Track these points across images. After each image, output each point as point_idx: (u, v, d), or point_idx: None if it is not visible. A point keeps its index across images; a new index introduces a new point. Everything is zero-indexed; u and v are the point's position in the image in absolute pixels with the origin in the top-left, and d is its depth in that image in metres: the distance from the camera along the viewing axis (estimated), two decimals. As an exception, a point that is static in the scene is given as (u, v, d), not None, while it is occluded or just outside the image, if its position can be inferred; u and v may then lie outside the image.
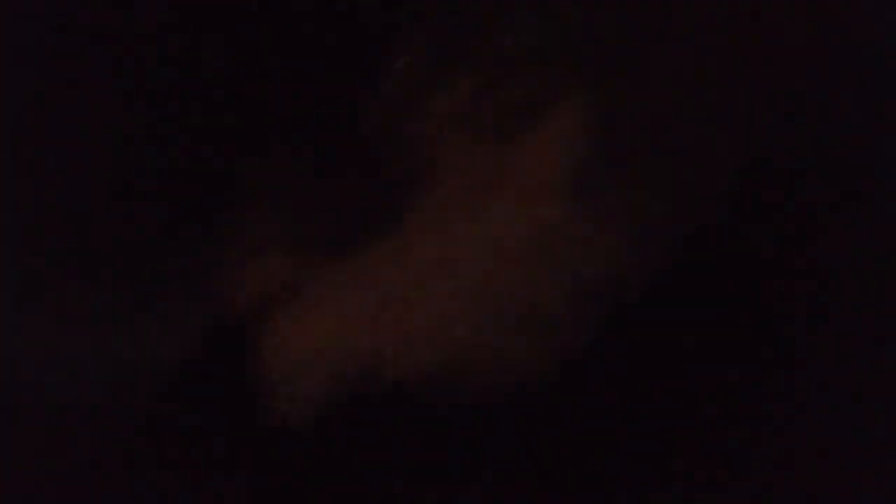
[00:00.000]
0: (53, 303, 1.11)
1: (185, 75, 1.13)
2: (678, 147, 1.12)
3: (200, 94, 1.13)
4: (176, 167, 1.12)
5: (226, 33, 1.14)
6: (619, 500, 1.07)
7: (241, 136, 1.13)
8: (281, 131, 1.13)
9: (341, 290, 1.11)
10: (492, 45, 1.12)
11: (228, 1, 1.14)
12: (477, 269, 1.09)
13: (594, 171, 1.10)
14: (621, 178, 1.10)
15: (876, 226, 1.12)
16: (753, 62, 1.14)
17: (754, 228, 1.12)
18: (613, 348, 1.09)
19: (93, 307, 1.11)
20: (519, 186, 1.11)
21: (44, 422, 1.09)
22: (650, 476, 1.07)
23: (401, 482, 1.07)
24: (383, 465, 1.08)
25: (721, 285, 1.10)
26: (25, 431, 1.09)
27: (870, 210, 1.13)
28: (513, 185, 1.11)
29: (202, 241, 1.11)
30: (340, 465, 1.08)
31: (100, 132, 1.13)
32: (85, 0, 1.14)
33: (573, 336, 1.08)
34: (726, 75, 1.13)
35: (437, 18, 1.13)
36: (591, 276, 1.09)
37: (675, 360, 1.09)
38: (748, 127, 1.13)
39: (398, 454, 1.08)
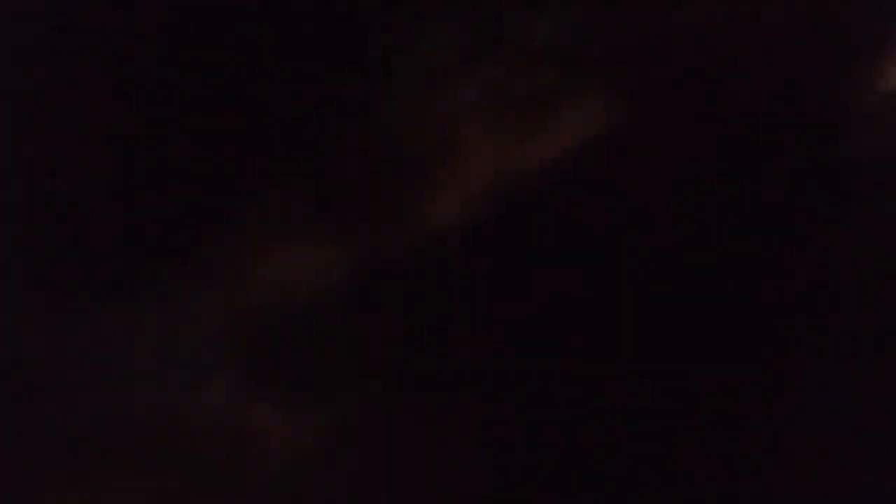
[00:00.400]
0: (52, 303, 1.11)
1: (186, 75, 1.13)
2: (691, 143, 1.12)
3: (201, 93, 1.13)
4: (175, 168, 1.12)
5: (226, 33, 1.14)
6: (619, 500, 1.07)
7: (242, 135, 1.13)
8: (289, 128, 1.13)
9: None
10: (514, 36, 1.12)
11: (229, 1, 1.14)
12: None
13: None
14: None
15: (876, 226, 1.13)
16: (754, 61, 1.14)
17: (754, 228, 1.12)
18: (613, 348, 1.09)
19: (91, 307, 1.11)
20: None
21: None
22: (650, 476, 1.07)
23: None
24: None
25: (721, 285, 1.10)
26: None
27: (870, 210, 1.13)
28: None
29: (202, 243, 1.12)
30: None
31: (100, 132, 1.13)
32: (85, 0, 1.14)
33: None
34: (734, 72, 1.13)
35: (460, 7, 1.13)
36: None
37: (676, 360, 1.09)
38: (750, 125, 1.13)
39: None
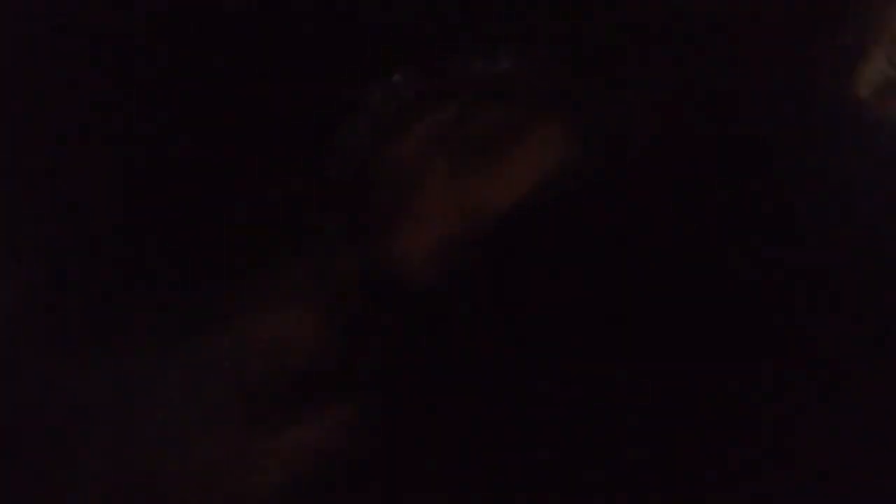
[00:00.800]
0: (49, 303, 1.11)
1: (186, 76, 1.13)
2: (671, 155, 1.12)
3: (202, 94, 1.13)
4: (176, 168, 1.12)
5: (227, 34, 1.14)
6: (619, 500, 1.07)
7: (242, 137, 1.13)
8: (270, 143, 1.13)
9: None
10: (472, 69, 1.12)
11: (229, 1, 1.14)
12: None
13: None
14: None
15: (876, 226, 1.12)
16: (753, 62, 1.14)
17: (754, 228, 1.12)
18: (612, 347, 1.09)
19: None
20: None
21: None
22: (650, 476, 1.07)
23: None
24: None
25: (721, 285, 1.10)
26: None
27: (870, 210, 1.13)
28: None
29: (202, 244, 1.11)
30: None
31: (100, 133, 1.13)
32: (85, 0, 1.14)
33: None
34: (719, 77, 1.13)
35: (419, 44, 1.13)
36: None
37: (676, 360, 1.09)
38: (744, 129, 1.13)
39: None
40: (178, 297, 1.11)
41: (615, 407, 1.08)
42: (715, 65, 1.13)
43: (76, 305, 1.11)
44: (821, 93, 1.15)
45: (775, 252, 1.12)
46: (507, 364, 1.09)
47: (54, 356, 1.10)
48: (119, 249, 1.12)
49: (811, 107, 1.14)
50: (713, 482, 1.07)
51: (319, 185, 1.12)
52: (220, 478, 1.08)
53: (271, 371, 1.10)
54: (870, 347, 1.10)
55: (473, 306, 1.10)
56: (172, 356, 1.10)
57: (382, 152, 1.11)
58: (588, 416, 1.08)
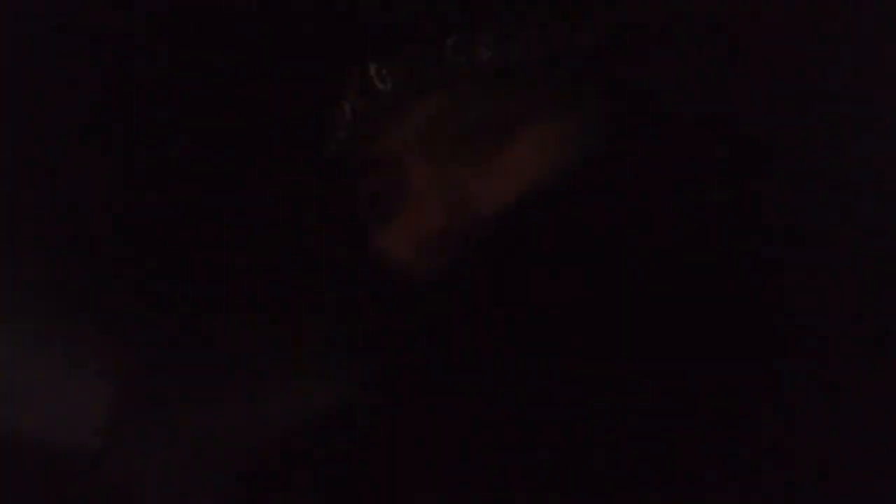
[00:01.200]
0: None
1: (186, 76, 1.13)
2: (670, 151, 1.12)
3: (202, 94, 1.13)
4: (175, 169, 1.12)
5: (227, 33, 1.14)
6: (619, 500, 1.07)
7: (240, 137, 1.13)
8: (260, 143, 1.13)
9: None
10: (465, 61, 1.12)
11: (229, 1, 1.14)
12: None
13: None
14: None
15: (876, 226, 1.13)
16: (753, 61, 1.14)
17: (754, 228, 1.12)
18: (612, 347, 1.09)
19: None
20: None
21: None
22: (650, 476, 1.07)
23: None
24: None
25: (720, 286, 1.10)
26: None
27: (870, 210, 1.13)
28: None
29: (203, 244, 1.12)
30: None
31: (100, 133, 1.13)
32: (85, 0, 1.14)
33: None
34: (721, 78, 1.14)
35: (412, 32, 1.13)
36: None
37: (676, 359, 1.09)
38: (744, 129, 1.13)
39: None
40: (177, 297, 1.11)
41: (615, 407, 1.08)
42: (715, 65, 1.13)
43: (76, 305, 1.12)
44: (821, 93, 1.15)
45: (775, 252, 1.12)
46: (507, 364, 1.09)
47: (54, 355, 1.10)
48: (119, 249, 1.12)
49: (811, 107, 1.14)
50: (713, 482, 1.07)
51: (315, 183, 1.12)
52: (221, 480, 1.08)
53: (272, 368, 1.10)
54: (870, 347, 1.10)
55: (473, 306, 1.10)
56: (172, 356, 1.10)
57: (365, 145, 1.11)
58: (588, 416, 1.08)
